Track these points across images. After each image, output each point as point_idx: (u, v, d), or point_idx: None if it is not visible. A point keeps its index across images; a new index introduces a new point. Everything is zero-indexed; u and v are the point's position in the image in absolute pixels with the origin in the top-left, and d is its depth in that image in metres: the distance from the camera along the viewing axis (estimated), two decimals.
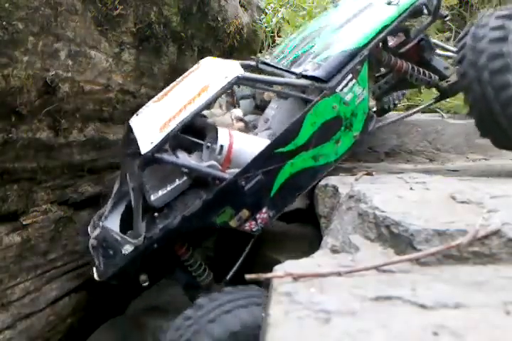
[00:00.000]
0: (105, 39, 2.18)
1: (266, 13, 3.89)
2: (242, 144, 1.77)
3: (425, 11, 2.02)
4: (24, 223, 2.08)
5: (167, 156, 1.73)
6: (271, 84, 1.86)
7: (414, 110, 2.36)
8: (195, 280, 1.88)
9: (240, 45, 3.36)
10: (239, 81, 1.73)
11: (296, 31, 2.57)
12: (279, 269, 0.96)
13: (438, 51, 2.39)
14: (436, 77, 2.22)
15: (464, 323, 0.69)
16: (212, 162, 1.73)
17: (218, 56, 3.16)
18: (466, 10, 3.61)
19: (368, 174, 1.90)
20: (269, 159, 1.72)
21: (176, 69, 2.75)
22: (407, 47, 2.16)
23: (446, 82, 2.24)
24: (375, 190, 1.40)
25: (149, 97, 2.57)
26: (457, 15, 3.67)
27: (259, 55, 3.67)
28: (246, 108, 2.33)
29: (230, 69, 1.83)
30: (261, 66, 2.26)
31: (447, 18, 2.21)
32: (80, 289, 2.44)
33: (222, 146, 1.73)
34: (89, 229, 2.07)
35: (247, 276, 0.91)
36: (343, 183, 1.76)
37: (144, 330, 2.04)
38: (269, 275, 0.91)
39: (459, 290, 0.82)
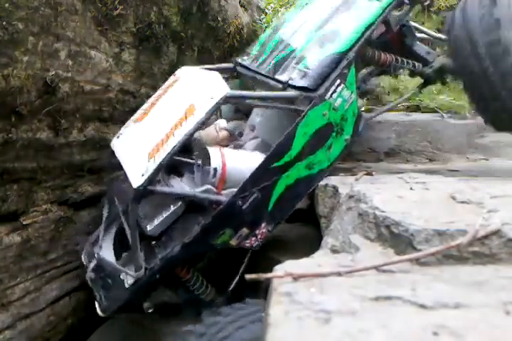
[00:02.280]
0: (105, 39, 2.17)
1: (266, 13, 3.88)
2: (235, 162, 1.74)
3: (406, 1, 1.98)
4: (24, 223, 2.07)
5: (160, 187, 1.69)
6: (259, 99, 1.80)
7: (396, 102, 2.39)
8: (198, 297, 1.86)
9: (240, 45, 3.36)
10: (226, 99, 1.66)
11: (270, 27, 2.43)
12: (279, 269, 0.95)
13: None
14: (420, 65, 2.19)
15: (464, 323, 0.69)
16: (208, 186, 1.69)
17: (218, 56, 3.16)
18: None
19: (368, 174, 1.90)
20: (264, 175, 1.69)
21: (175, 69, 2.74)
22: (388, 36, 2.12)
23: (430, 67, 2.23)
24: (375, 190, 1.40)
25: (149, 97, 2.57)
26: None
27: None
28: (226, 112, 2.28)
29: (215, 87, 1.75)
30: (239, 69, 2.20)
31: (427, 3, 2.19)
32: (79, 289, 2.43)
33: (215, 169, 1.69)
34: (82, 258, 2.04)
35: (248, 276, 0.91)
36: (343, 183, 1.76)
37: (144, 330, 2.03)
38: (269, 275, 0.91)
39: (459, 290, 0.82)
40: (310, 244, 1.85)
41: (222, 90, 1.69)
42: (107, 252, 1.91)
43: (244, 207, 1.66)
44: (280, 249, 2.03)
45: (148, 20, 2.39)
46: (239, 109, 2.26)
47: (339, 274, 0.92)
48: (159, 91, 2.10)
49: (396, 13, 2.14)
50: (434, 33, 2.46)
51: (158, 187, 1.67)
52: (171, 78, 2.11)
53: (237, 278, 1.84)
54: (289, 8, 3.94)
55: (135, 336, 2.13)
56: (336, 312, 0.74)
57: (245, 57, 2.29)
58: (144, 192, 1.64)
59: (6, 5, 1.59)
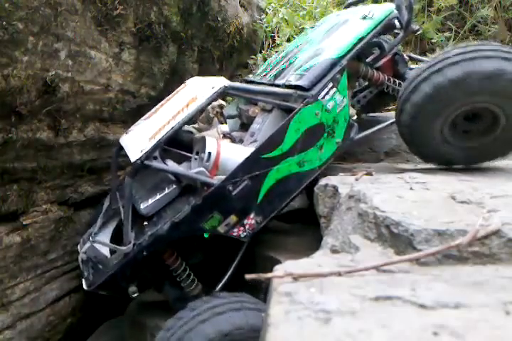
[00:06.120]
0: (105, 39, 2.18)
1: (266, 13, 3.88)
2: (230, 152, 1.82)
3: (398, 25, 2.12)
4: (24, 223, 2.08)
5: (156, 163, 1.76)
6: (256, 93, 1.91)
7: (385, 124, 2.34)
8: (184, 290, 1.88)
9: (240, 45, 3.36)
10: (226, 90, 1.78)
11: (278, 52, 2.70)
12: (279, 269, 0.95)
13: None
14: None
15: (463, 323, 0.69)
16: (201, 168, 1.76)
17: (218, 56, 3.17)
18: (466, 10, 3.60)
19: (368, 174, 1.89)
20: (255, 164, 1.76)
21: (176, 70, 2.75)
22: (382, 61, 2.26)
23: None
24: (375, 190, 1.40)
25: (149, 97, 2.58)
26: (457, 15, 3.66)
27: (258, 55, 3.67)
28: (232, 127, 2.38)
29: (216, 81, 1.90)
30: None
31: (419, 32, 2.33)
32: (79, 289, 2.43)
33: (210, 153, 1.77)
34: (78, 247, 2.10)
35: (247, 276, 0.90)
36: (343, 183, 1.76)
37: (144, 330, 2.03)
38: (269, 275, 0.91)
39: (459, 290, 0.82)
40: (310, 244, 1.85)
41: (223, 82, 1.83)
42: (103, 238, 1.99)
43: (234, 192, 1.74)
44: (280, 249, 2.03)
45: (148, 20, 2.39)
46: (244, 124, 2.33)
47: (339, 274, 0.92)
48: (170, 96, 2.21)
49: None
50: (427, 59, 2.57)
51: (155, 163, 1.75)
52: (182, 85, 2.23)
53: (227, 277, 1.88)
54: (289, 8, 3.94)
55: (134, 336, 2.13)
56: (335, 312, 0.74)
57: (251, 75, 2.54)
58: (141, 166, 1.73)
59: (6, 5, 1.59)
